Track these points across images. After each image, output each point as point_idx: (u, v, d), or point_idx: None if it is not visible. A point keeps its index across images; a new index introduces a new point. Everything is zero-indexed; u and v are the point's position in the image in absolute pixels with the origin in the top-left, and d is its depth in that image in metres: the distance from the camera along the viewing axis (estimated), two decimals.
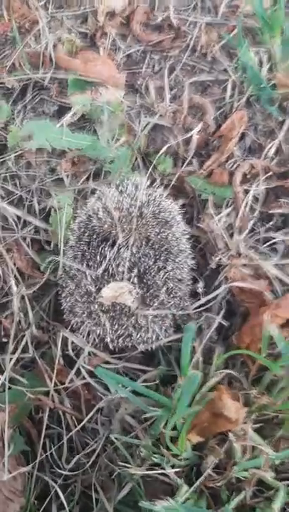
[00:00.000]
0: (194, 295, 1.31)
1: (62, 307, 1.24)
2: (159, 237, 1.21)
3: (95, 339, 1.22)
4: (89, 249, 1.20)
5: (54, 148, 1.43)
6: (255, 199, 1.47)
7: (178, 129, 1.55)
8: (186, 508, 0.88)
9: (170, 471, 1.03)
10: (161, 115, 1.57)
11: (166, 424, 1.08)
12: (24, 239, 1.40)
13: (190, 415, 1.03)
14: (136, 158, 1.49)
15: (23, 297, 1.29)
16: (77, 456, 1.13)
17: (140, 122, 1.55)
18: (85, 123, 1.57)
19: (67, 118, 1.47)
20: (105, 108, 1.46)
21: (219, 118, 1.66)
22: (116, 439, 1.09)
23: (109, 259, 1.15)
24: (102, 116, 1.48)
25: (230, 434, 1.03)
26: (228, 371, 1.14)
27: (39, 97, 1.60)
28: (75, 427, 1.18)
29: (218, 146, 1.58)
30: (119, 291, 1.11)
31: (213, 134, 1.62)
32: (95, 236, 1.21)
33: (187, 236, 1.29)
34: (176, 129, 1.55)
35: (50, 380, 1.20)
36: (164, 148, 1.45)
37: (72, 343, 1.25)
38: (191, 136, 1.54)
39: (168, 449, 1.06)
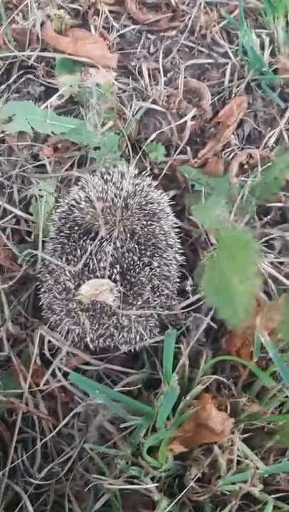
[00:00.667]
0: (183, 293, 1.22)
1: (40, 303, 1.16)
2: (145, 230, 1.12)
3: (74, 338, 1.13)
4: (69, 242, 1.11)
5: (38, 133, 1.33)
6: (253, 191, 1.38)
7: (172, 115, 1.45)
8: None
9: (149, 486, 0.95)
10: (154, 99, 1.47)
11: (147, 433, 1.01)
12: (4, 229, 1.31)
13: (171, 427, 0.95)
14: (126, 145, 1.40)
15: None
16: (51, 465, 1.05)
17: (132, 106, 1.45)
18: (74, 106, 1.48)
19: (53, 100, 1.38)
20: (94, 90, 1.36)
21: (217, 104, 1.58)
22: (91, 449, 1.01)
23: (90, 253, 1.06)
24: (90, 99, 1.38)
25: (215, 448, 0.95)
26: (216, 377, 1.05)
27: (25, 77, 1.50)
28: (51, 431, 1.10)
29: (215, 133, 1.49)
30: (100, 289, 1.02)
31: (210, 121, 1.53)
32: (76, 228, 1.12)
33: (177, 230, 1.20)
34: (169, 115, 1.45)
35: (25, 380, 1.11)
36: (154, 135, 1.36)
37: (50, 342, 1.16)
38: (186, 123, 1.44)
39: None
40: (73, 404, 1.13)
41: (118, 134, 1.40)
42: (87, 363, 1.17)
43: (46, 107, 1.36)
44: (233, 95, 1.56)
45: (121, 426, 1.01)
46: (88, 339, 1.10)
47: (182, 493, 0.96)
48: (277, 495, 1.04)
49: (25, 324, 1.24)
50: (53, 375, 1.15)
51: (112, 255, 1.06)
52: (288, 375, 0.90)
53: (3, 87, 1.48)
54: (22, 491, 1.02)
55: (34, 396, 1.14)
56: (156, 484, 0.96)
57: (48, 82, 1.48)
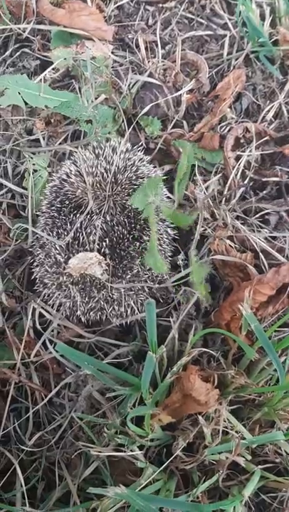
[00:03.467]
0: (176, 268, 1.22)
1: (32, 276, 1.18)
2: None
3: (66, 311, 1.15)
4: (60, 216, 1.12)
5: (33, 107, 1.33)
6: (249, 165, 1.36)
7: (168, 88, 1.44)
8: (140, 495, 0.83)
9: (134, 453, 0.97)
10: (151, 72, 1.45)
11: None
12: (0, 204, 1.32)
13: (156, 396, 0.97)
14: (122, 120, 1.39)
15: None
16: (41, 432, 1.08)
17: (128, 80, 1.43)
18: (71, 81, 1.47)
19: (48, 73, 1.37)
20: (89, 63, 1.34)
21: (216, 77, 1.55)
22: (80, 418, 1.03)
23: (80, 226, 1.07)
24: (85, 73, 1.37)
25: (200, 418, 0.97)
26: (203, 349, 1.06)
27: (20, 50, 1.49)
28: (43, 401, 1.12)
29: (212, 107, 1.47)
30: (88, 262, 1.04)
31: (208, 95, 1.50)
32: (67, 202, 1.13)
33: (169, 204, 1.20)
34: (166, 88, 1.43)
35: (18, 352, 1.14)
36: (147, 108, 1.34)
37: (42, 315, 1.18)
38: (182, 96, 1.42)
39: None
40: (66, 376, 1.16)
41: (114, 108, 1.39)
42: (81, 336, 1.19)
43: (40, 80, 1.34)
44: (231, 68, 1.54)
45: (111, 395, 1.03)
46: (79, 312, 1.12)
47: (167, 462, 0.98)
48: (265, 465, 1.06)
49: (20, 297, 1.26)
50: (45, 347, 1.17)
51: (101, 229, 1.07)
52: (270, 348, 0.90)
53: None
54: (13, 458, 1.05)
55: (27, 367, 1.16)
56: (142, 452, 0.98)
57: (44, 56, 1.47)
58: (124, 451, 1.01)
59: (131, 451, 1.00)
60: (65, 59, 1.38)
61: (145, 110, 1.34)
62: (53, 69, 1.39)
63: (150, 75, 1.45)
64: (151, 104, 1.35)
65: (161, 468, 0.99)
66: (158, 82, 1.44)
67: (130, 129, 1.30)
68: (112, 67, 1.47)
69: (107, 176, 1.10)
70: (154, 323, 0.88)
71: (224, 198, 1.28)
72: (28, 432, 1.11)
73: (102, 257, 1.05)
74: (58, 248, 1.08)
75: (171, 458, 1.00)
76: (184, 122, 1.43)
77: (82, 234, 1.07)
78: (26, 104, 1.30)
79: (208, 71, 1.51)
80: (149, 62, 1.49)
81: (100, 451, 0.98)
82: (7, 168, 1.32)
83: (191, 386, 0.94)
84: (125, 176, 1.11)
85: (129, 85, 1.42)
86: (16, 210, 1.33)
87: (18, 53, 1.48)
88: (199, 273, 1.11)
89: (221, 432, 1.01)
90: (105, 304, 1.10)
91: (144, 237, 1.10)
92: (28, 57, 1.48)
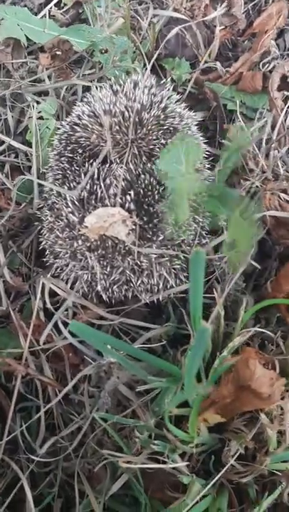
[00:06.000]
0: (216, 231, 0.99)
1: (40, 247, 0.96)
2: None
3: (83, 287, 0.93)
4: (72, 167, 0.90)
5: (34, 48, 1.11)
6: None
7: (197, 25, 1.21)
8: None
9: (178, 465, 0.74)
10: (175, 7, 1.23)
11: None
12: (3, 166, 1.11)
13: (204, 389, 0.74)
14: (144, 64, 1.17)
15: None
16: (56, 437, 0.87)
17: (149, 17, 1.20)
18: (82, 24, 1.24)
19: (54, 9, 1.14)
20: None
21: (252, 13, 1.31)
22: (104, 419, 0.81)
23: (97, 177, 0.85)
24: (98, 8, 1.15)
25: (262, 416, 0.74)
26: (259, 329, 0.83)
27: None
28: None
29: (250, 47, 1.24)
30: (109, 220, 0.81)
31: (243, 33, 1.27)
32: (80, 151, 0.91)
33: (206, 154, 0.97)
34: (194, 25, 1.20)
35: (26, 338, 0.92)
36: (171, 33, 1.10)
37: (56, 294, 0.96)
38: (214, 33, 1.19)
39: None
40: (85, 366, 0.94)
41: (134, 51, 1.16)
42: (102, 318, 0.97)
43: (44, 16, 1.12)
44: (270, 2, 1.30)
45: (142, 389, 0.81)
46: (100, 287, 0.89)
47: (220, 474, 0.75)
48: None
49: (27, 275, 1.05)
50: (59, 332, 0.96)
51: (124, 179, 0.85)
52: None
53: None
54: (19, 470, 0.83)
55: (37, 357, 0.94)
56: (187, 463, 0.76)
57: None
58: (161, 461, 0.79)
59: (172, 461, 0.77)
60: None
61: (168, 37, 1.11)
62: (59, 5, 1.16)
63: (175, 10, 1.22)
64: (172, 32, 1.12)
65: (213, 481, 0.76)
66: (184, 17, 1.21)
67: (151, 69, 1.07)
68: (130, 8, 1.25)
69: (129, 116, 0.87)
70: (200, 285, 0.64)
71: (272, 146, 1.04)
72: (40, 437, 0.89)
73: (127, 214, 0.82)
74: (70, 206, 0.86)
75: (225, 468, 0.77)
76: (218, 64, 1.20)
77: (100, 186, 0.84)
78: (28, 40, 1.07)
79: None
80: None
81: (131, 462, 0.76)
82: (8, 121, 1.10)
83: (251, 374, 0.71)
84: (151, 115, 0.89)
85: (150, 23, 1.19)
86: (20, 171, 1.12)
87: None
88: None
89: (288, 434, 0.79)
90: (132, 275, 0.87)
91: None
92: None
